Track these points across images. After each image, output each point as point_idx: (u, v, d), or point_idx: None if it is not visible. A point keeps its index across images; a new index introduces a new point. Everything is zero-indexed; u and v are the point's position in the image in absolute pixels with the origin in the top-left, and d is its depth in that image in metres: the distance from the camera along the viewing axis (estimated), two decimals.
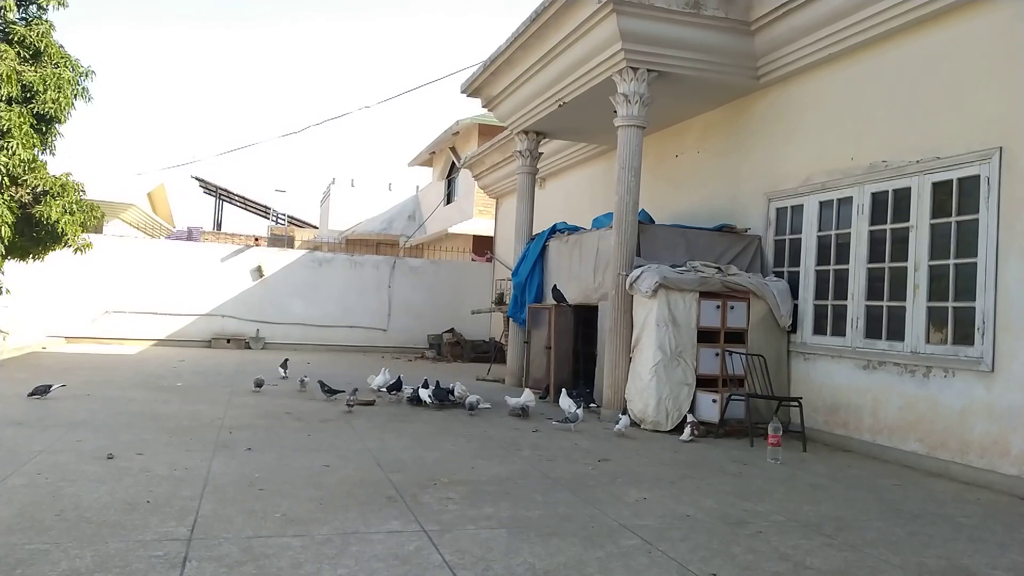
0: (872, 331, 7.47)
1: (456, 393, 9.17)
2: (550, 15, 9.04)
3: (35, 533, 3.80)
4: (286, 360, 11.94)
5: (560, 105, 10.19)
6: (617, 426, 7.69)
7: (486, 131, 20.45)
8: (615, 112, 8.98)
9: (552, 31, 9.31)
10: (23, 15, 12.80)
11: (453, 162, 24.03)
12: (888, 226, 7.39)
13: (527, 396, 8.77)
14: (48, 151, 12.99)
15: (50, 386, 8.25)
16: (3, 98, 11.62)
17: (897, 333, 7.16)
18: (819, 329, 8.19)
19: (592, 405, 9.21)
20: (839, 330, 7.88)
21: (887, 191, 7.42)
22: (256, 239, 30.66)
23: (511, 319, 12.15)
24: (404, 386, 9.49)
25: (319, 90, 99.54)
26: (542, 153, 12.51)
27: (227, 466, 5.49)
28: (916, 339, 6.94)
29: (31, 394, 8.12)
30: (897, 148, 7.31)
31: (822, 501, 5.37)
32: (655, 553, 3.99)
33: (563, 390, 8.89)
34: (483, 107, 12.40)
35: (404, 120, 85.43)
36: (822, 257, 8.22)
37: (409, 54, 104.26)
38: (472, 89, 11.90)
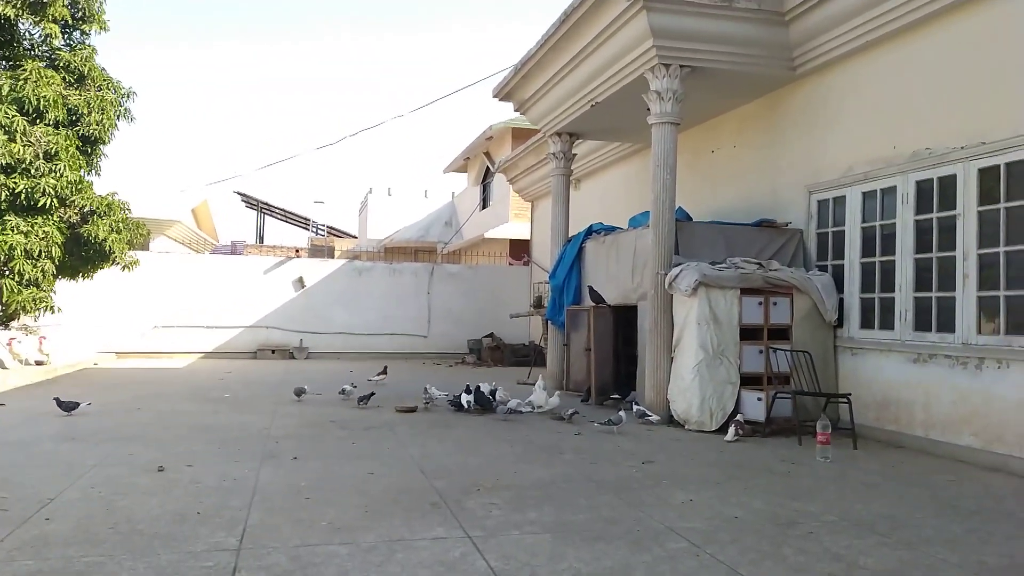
0: (921, 323, 7.28)
1: (497, 397, 9.18)
2: (580, 15, 9.00)
3: (90, 546, 3.89)
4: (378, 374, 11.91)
5: (593, 105, 10.15)
6: (652, 417, 8.28)
7: (519, 135, 20.47)
8: (648, 110, 8.91)
9: (582, 31, 9.28)
10: (67, 41, 13.21)
11: (488, 167, 24.10)
12: (934, 215, 7.19)
13: (539, 391, 9.14)
14: (94, 171, 13.41)
15: (78, 404, 8.33)
16: (50, 122, 12.00)
17: (947, 325, 6.96)
18: (866, 323, 8.00)
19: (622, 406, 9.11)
20: (887, 323, 7.69)
21: (932, 179, 7.22)
22: (297, 251, 31.04)
23: (550, 322, 12.12)
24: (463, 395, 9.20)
25: (354, 102, 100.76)
26: (576, 154, 12.47)
27: (274, 475, 5.56)
28: (967, 330, 6.73)
29: (59, 405, 8.18)
30: (940, 135, 7.11)
31: (875, 499, 5.24)
32: (703, 556, 3.93)
33: (539, 378, 9.74)
34: (515, 111, 12.41)
35: (438, 127, 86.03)
36: (867, 249, 8.04)
37: (441, 62, 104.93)
38: (504, 93, 11.91)
